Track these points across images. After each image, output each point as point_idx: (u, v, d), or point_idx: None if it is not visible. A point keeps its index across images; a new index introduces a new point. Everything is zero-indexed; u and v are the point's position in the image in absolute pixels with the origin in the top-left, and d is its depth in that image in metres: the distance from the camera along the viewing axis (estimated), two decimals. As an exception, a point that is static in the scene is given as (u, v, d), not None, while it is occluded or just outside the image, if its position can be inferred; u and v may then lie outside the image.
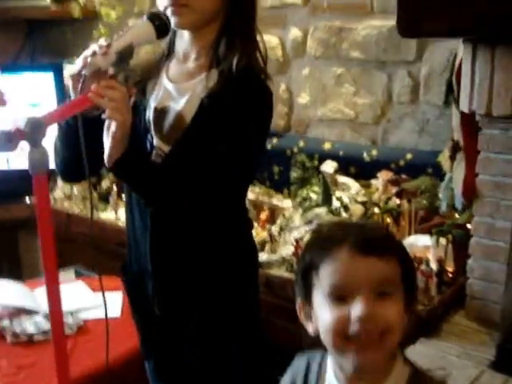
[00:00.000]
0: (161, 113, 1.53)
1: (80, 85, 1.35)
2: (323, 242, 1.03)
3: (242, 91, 1.47)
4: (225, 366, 1.61)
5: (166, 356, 1.67)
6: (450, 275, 2.15)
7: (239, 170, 1.50)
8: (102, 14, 3.22)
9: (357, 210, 2.48)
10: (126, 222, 1.68)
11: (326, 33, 2.73)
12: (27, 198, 3.10)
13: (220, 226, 1.56)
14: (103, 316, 2.12)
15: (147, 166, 1.47)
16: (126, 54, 1.39)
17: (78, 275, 2.70)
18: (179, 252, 1.56)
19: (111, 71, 1.38)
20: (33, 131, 1.22)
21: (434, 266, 2.08)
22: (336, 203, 2.46)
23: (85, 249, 2.75)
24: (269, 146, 2.82)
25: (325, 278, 0.99)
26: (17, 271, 3.03)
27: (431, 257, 2.13)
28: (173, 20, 1.47)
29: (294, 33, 2.85)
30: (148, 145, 1.54)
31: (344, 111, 2.76)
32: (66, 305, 2.12)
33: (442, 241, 2.18)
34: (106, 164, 1.41)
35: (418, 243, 2.25)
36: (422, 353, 1.84)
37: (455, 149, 2.00)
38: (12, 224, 3.12)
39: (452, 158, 2.03)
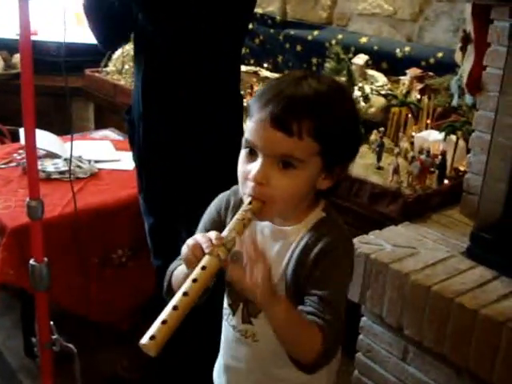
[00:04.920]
0: None
1: None
2: (261, 95, 1.03)
3: None
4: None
5: (154, 189, 1.85)
6: (461, 173, 2.17)
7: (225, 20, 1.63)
8: None
9: (377, 101, 2.52)
10: (135, 74, 1.82)
11: None
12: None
13: (207, 73, 1.68)
14: (116, 168, 2.34)
15: None
16: None
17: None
18: (166, 96, 1.70)
19: None
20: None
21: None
22: (357, 93, 2.50)
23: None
24: (309, 38, 2.86)
25: (247, 129, 1.04)
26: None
27: (437, 150, 2.16)
28: None
29: None
30: None
31: (383, 6, 2.74)
32: (87, 154, 2.34)
33: (453, 138, 2.20)
34: None
35: (429, 137, 2.27)
36: (399, 233, 1.89)
37: (466, 40, 1.97)
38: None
39: (463, 49, 2.01)
